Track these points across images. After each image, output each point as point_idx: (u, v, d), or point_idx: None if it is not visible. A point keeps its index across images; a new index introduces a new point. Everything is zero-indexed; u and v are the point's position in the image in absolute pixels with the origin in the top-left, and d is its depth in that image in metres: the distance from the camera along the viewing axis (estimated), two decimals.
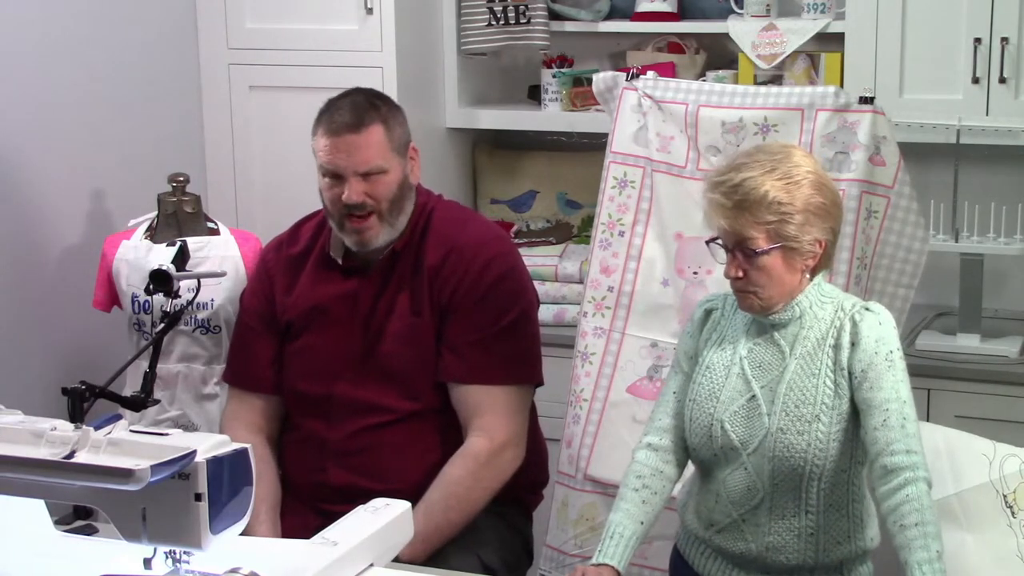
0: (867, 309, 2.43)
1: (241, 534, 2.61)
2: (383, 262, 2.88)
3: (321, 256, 2.94)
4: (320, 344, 2.90)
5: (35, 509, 2.39)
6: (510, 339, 2.86)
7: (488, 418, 2.81)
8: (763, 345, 2.47)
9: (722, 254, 2.43)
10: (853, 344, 2.40)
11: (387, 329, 2.86)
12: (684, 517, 2.59)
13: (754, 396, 2.44)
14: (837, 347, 2.41)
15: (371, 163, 2.79)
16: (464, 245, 2.86)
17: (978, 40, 3.48)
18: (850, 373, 2.39)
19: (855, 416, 2.40)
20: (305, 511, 2.86)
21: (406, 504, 2.46)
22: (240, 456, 2.16)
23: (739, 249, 2.39)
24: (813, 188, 2.39)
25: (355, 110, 2.80)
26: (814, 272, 2.45)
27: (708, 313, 2.57)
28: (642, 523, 2.50)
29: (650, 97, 3.25)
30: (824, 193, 2.40)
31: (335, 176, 2.80)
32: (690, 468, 2.60)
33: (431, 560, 2.70)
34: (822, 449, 2.39)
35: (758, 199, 2.36)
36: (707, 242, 2.47)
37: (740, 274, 2.40)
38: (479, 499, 2.81)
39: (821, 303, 2.45)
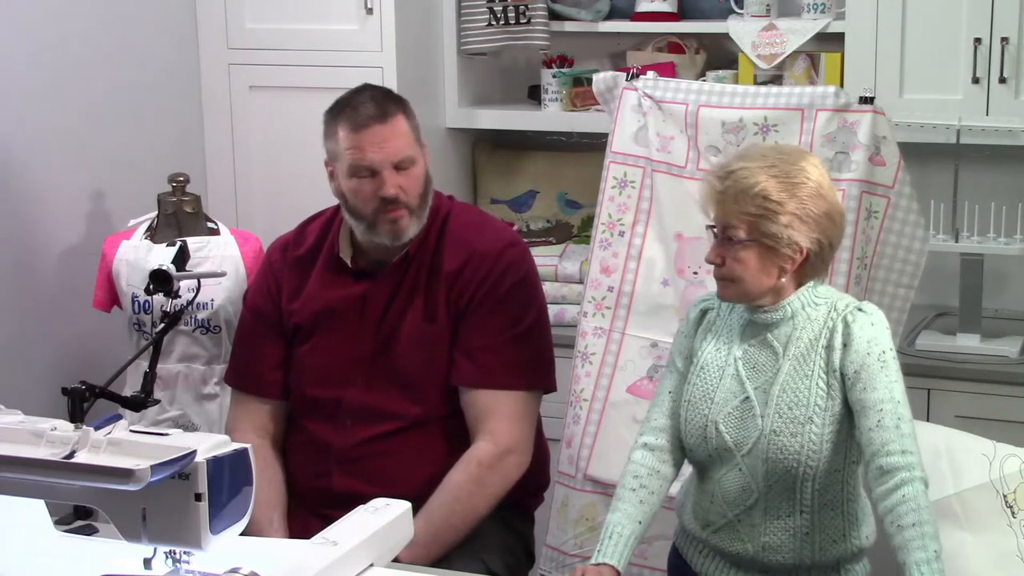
0: (859, 310, 2.42)
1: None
2: (395, 265, 2.85)
3: (330, 258, 2.91)
4: (329, 348, 2.87)
5: (35, 509, 2.39)
6: (524, 345, 2.85)
7: (495, 423, 2.79)
8: (757, 346, 2.47)
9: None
10: (845, 345, 2.39)
11: (400, 333, 2.83)
12: (682, 517, 2.59)
13: (748, 397, 2.44)
14: (829, 348, 2.40)
15: (403, 152, 2.76)
16: (484, 251, 2.84)
17: (978, 40, 3.48)
18: (843, 374, 2.39)
19: (848, 416, 2.40)
20: (306, 515, 2.84)
21: (406, 504, 2.45)
22: (240, 456, 2.16)
23: (724, 236, 2.40)
24: (809, 196, 2.37)
25: (376, 102, 2.78)
26: (800, 278, 2.43)
27: (704, 313, 2.57)
28: (640, 523, 2.50)
29: (650, 97, 3.25)
30: (819, 204, 2.38)
31: (368, 173, 2.76)
32: (688, 467, 2.60)
33: (434, 565, 2.68)
34: (815, 450, 2.38)
35: (744, 189, 2.36)
36: (708, 227, 2.47)
37: (719, 260, 2.41)
38: (482, 504, 2.79)
39: (815, 304, 2.44)
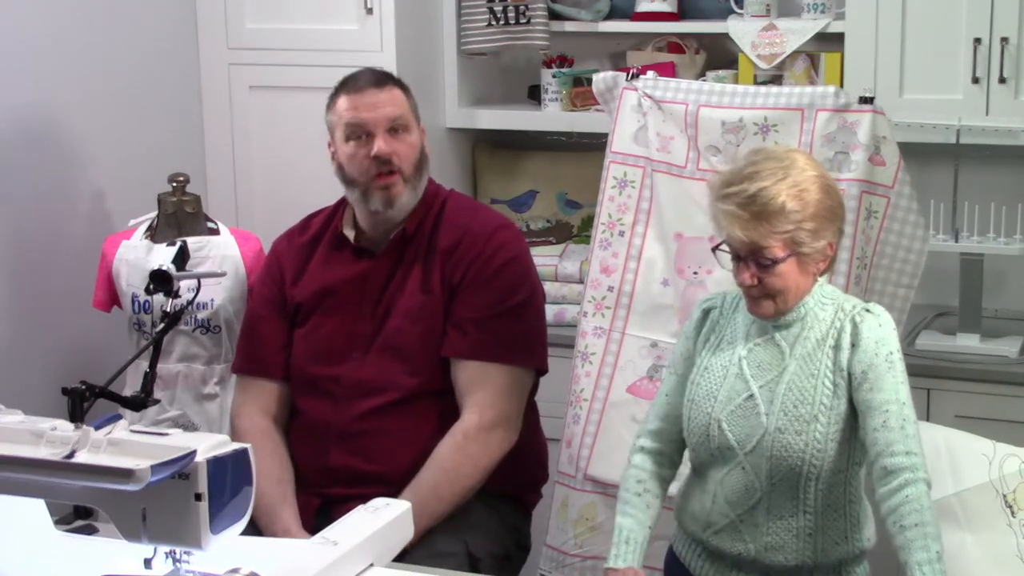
0: (867, 311, 2.43)
1: (263, 518, 2.65)
2: (393, 243, 2.92)
3: (333, 238, 2.99)
4: (329, 325, 2.93)
5: (35, 509, 2.39)
6: (512, 321, 2.89)
7: (480, 395, 2.84)
8: (763, 346, 2.47)
9: (728, 260, 2.43)
10: (853, 345, 2.40)
11: (396, 306, 2.90)
12: (681, 519, 2.59)
13: (752, 395, 2.44)
14: (837, 348, 2.41)
15: (397, 115, 2.87)
16: (477, 230, 2.92)
17: (978, 40, 3.48)
18: (850, 374, 2.40)
19: (853, 417, 2.40)
20: (306, 495, 2.88)
21: (406, 504, 2.46)
22: (240, 456, 2.17)
23: (753, 259, 2.39)
24: (821, 192, 2.39)
25: (375, 74, 2.93)
26: (822, 274, 2.46)
27: (706, 313, 2.57)
28: (650, 528, 2.54)
29: (650, 97, 3.25)
30: (831, 195, 2.42)
31: (361, 135, 2.86)
32: (684, 470, 2.60)
33: (419, 545, 2.69)
34: (820, 449, 2.39)
35: (776, 209, 2.35)
36: (713, 249, 2.47)
37: (755, 282, 2.40)
38: (468, 475, 2.82)
39: (822, 304, 2.45)
